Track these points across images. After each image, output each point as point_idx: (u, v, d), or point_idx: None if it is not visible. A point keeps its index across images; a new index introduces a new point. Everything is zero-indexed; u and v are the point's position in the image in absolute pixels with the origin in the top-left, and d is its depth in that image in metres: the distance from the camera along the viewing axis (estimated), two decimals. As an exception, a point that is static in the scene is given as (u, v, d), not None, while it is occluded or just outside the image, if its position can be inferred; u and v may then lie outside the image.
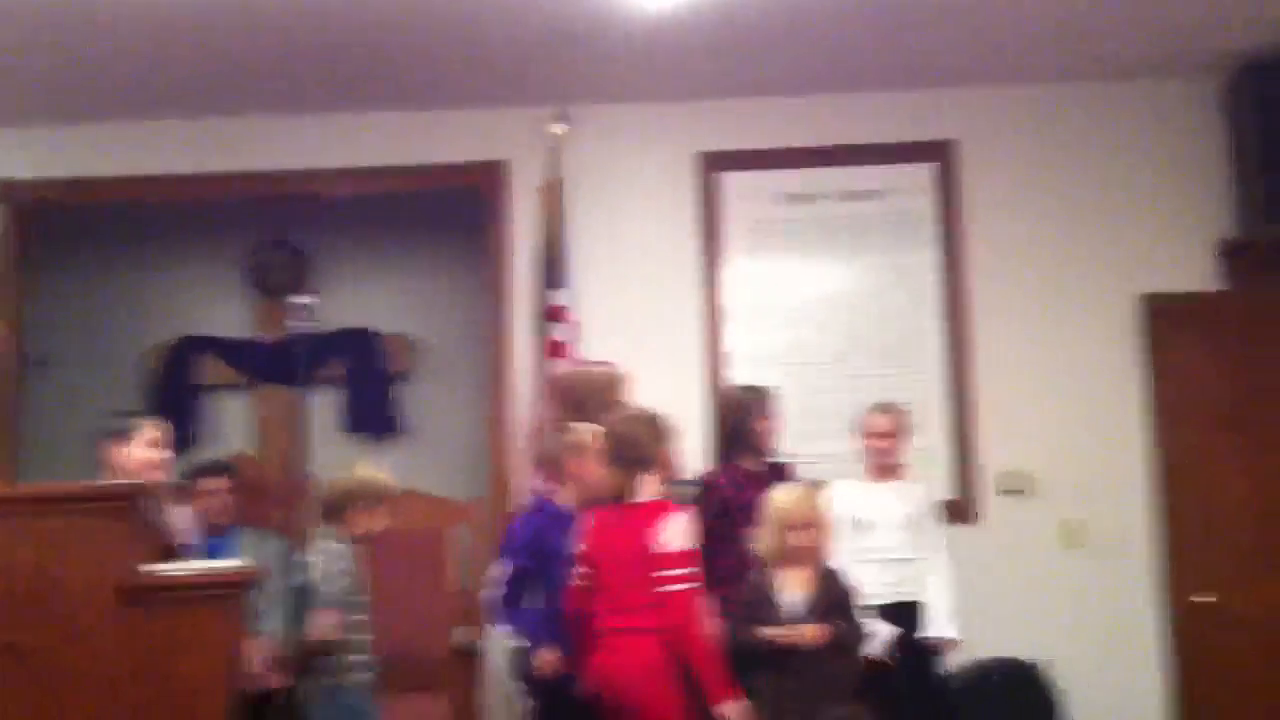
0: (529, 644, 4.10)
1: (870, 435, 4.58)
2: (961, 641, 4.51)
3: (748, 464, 4.47)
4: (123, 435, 3.93)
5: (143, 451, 3.93)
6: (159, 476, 4.06)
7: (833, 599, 3.88)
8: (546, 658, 4.01)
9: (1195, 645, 5.16)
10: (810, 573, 3.90)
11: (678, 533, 3.55)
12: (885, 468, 4.58)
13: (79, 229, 6.07)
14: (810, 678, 3.78)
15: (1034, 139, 5.47)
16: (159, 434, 4.01)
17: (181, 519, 4.11)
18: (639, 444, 3.68)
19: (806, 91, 5.41)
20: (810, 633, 3.76)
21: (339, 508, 3.86)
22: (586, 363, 4.41)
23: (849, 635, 3.86)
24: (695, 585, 3.52)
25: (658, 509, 3.60)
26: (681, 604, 3.49)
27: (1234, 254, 5.33)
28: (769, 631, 3.79)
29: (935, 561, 4.53)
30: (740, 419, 4.51)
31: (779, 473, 4.46)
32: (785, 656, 3.78)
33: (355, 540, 3.82)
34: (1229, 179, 5.39)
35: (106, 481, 3.59)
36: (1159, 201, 5.41)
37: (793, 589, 3.88)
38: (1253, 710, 5.10)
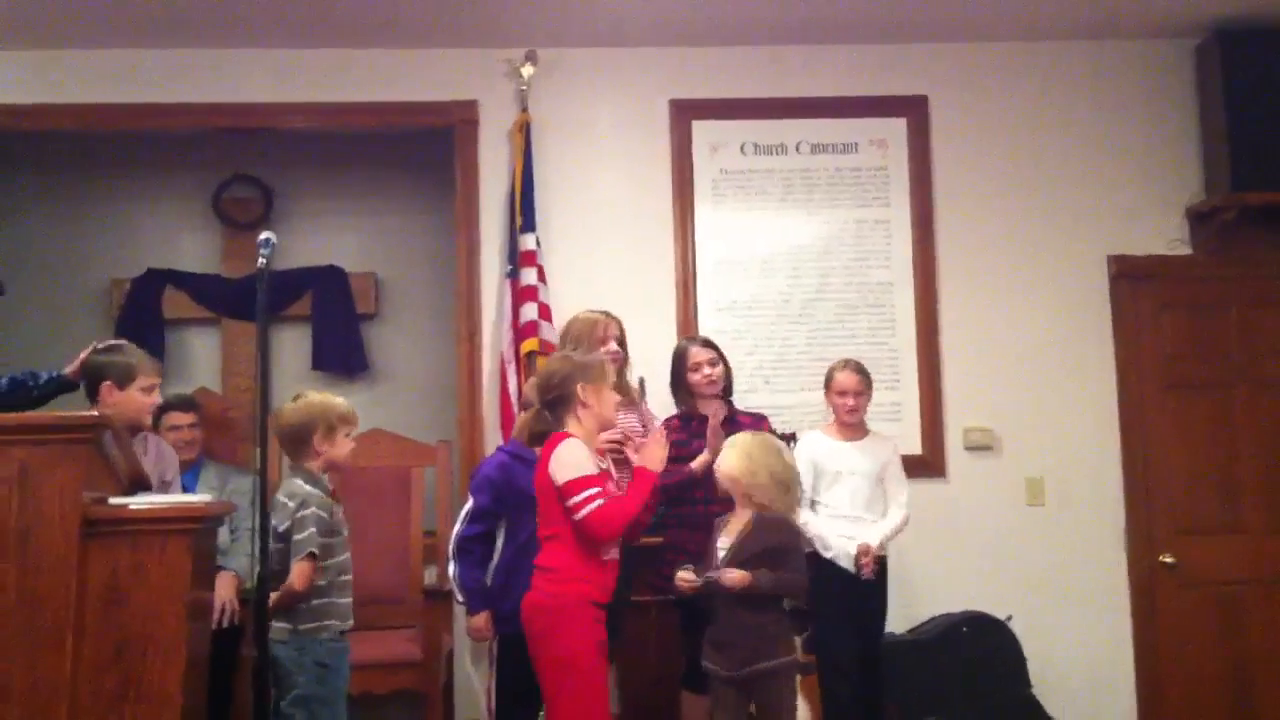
0: (463, 603, 4.08)
1: (836, 392, 4.62)
2: (870, 548, 4.43)
3: (703, 410, 4.54)
4: (127, 377, 3.87)
5: (142, 396, 3.89)
6: (149, 422, 4.05)
7: (760, 547, 3.88)
8: (475, 624, 4.03)
9: (1158, 604, 5.26)
10: (747, 520, 3.93)
11: (565, 461, 3.49)
12: (850, 424, 4.62)
13: (41, 157, 6.00)
14: (737, 627, 3.84)
15: (1005, 97, 5.49)
16: (157, 379, 3.98)
17: (154, 453, 4.07)
18: (551, 384, 3.61)
19: (779, 42, 5.40)
20: (728, 578, 3.79)
21: (298, 439, 3.69)
22: (590, 310, 4.43)
23: (766, 583, 3.83)
24: (593, 505, 3.45)
25: (552, 441, 3.55)
26: (590, 526, 3.47)
27: (1201, 219, 5.38)
28: (680, 575, 3.89)
29: (890, 509, 4.57)
30: (675, 369, 4.62)
31: (740, 421, 4.52)
32: (714, 604, 3.88)
33: (322, 472, 3.68)
34: (1198, 144, 5.44)
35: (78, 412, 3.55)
36: (1128, 164, 5.45)
37: (727, 535, 3.95)
38: (1213, 670, 5.24)
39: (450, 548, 4.12)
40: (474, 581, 4.00)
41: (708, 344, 4.62)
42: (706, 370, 4.52)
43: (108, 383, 3.84)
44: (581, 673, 3.45)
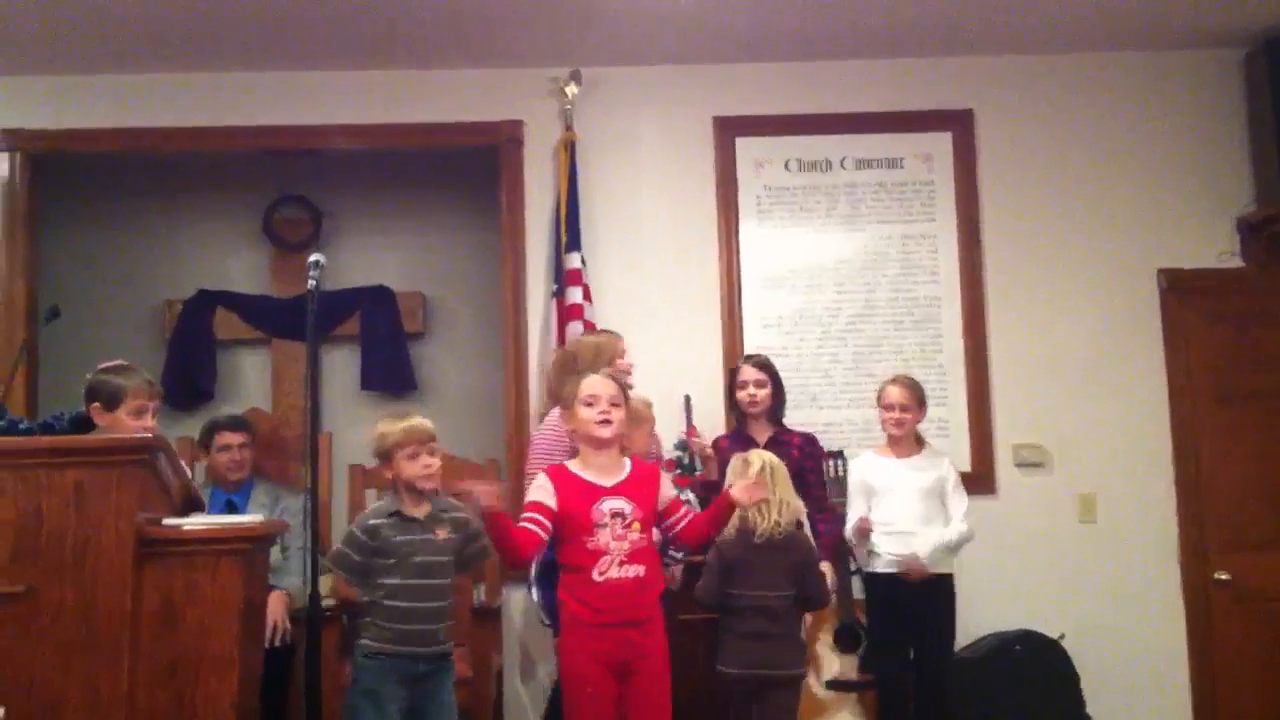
0: (549, 625, 4.10)
1: (883, 406, 4.61)
2: (917, 558, 4.42)
3: (749, 429, 4.62)
4: (114, 399, 3.71)
5: (130, 420, 3.69)
6: None
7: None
8: None
9: (1213, 621, 5.20)
10: None
11: None
12: (899, 439, 4.60)
13: (95, 181, 6.08)
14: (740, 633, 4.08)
15: (1051, 109, 5.46)
16: (148, 401, 3.77)
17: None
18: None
19: (823, 57, 5.40)
20: None
21: (379, 459, 3.78)
22: (593, 331, 4.50)
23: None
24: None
25: None
26: None
27: (1252, 230, 5.32)
28: None
29: (951, 523, 4.53)
30: (729, 386, 4.74)
31: (787, 441, 4.59)
32: None
33: (407, 491, 3.71)
34: (1247, 154, 5.39)
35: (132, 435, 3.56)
36: (1177, 176, 5.41)
37: None
38: (1271, 688, 5.15)
39: (531, 573, 4.19)
40: (554, 602, 4.01)
41: (761, 365, 4.66)
42: (751, 390, 4.59)
43: (95, 404, 3.71)
44: (567, 690, 3.60)
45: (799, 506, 4.06)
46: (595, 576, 3.56)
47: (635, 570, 3.59)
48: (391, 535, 3.65)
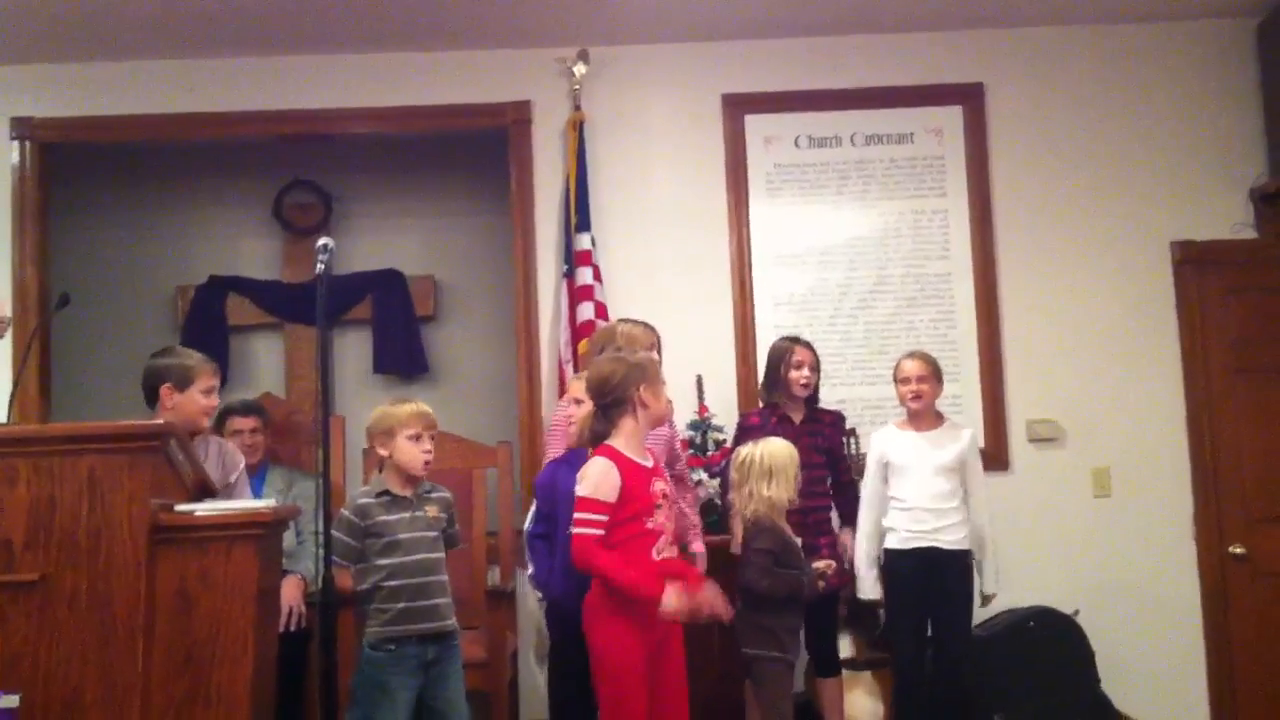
0: (541, 600, 4.18)
1: (900, 380, 4.60)
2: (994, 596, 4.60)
3: (785, 408, 4.61)
4: (186, 379, 3.84)
5: (202, 398, 3.86)
6: (206, 425, 4.03)
7: None
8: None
9: (1229, 596, 5.17)
10: None
11: (589, 477, 3.49)
12: (917, 414, 4.58)
13: (105, 168, 6.09)
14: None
15: (1062, 82, 5.42)
16: (215, 381, 3.93)
17: (215, 455, 4.09)
18: (609, 387, 3.59)
19: (832, 32, 5.37)
20: None
21: (369, 443, 3.82)
22: (626, 320, 4.47)
23: None
24: (584, 530, 3.44)
25: (595, 452, 3.56)
26: (574, 546, 3.47)
27: (1266, 200, 5.28)
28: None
29: (976, 508, 4.54)
30: (773, 365, 4.66)
31: (820, 419, 4.63)
32: None
33: (405, 475, 3.74)
34: (1261, 124, 5.34)
35: (144, 421, 3.58)
36: (1190, 147, 5.37)
37: None
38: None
39: (526, 548, 4.19)
40: (544, 572, 4.06)
41: (811, 348, 4.67)
42: (807, 372, 4.58)
43: (167, 385, 3.83)
44: (614, 679, 3.47)
45: (773, 498, 4.03)
46: (654, 555, 3.51)
47: (674, 550, 3.61)
48: (382, 514, 3.68)
